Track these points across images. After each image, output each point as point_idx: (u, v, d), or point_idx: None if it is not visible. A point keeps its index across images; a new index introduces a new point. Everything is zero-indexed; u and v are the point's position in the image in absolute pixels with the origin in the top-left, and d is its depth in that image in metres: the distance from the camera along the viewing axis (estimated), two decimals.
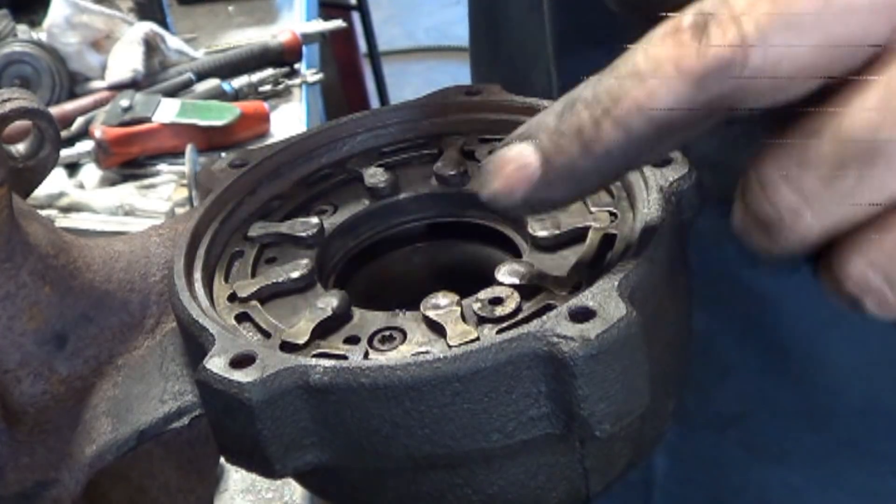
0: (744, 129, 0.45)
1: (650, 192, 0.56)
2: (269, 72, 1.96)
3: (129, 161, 1.75)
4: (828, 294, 0.45)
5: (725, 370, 0.84)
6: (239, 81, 1.91)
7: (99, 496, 0.65)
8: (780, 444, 0.84)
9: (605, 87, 0.44)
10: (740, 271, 0.78)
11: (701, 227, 0.75)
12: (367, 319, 0.56)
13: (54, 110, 1.79)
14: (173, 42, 1.99)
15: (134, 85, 1.87)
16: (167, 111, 1.76)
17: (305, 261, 0.60)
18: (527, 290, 0.54)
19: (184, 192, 1.61)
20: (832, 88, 0.41)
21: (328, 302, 0.56)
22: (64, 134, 1.76)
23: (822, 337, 0.78)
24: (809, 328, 0.79)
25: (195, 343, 0.54)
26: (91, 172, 1.76)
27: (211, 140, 1.75)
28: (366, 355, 0.53)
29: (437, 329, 0.53)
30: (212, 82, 1.90)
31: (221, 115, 1.76)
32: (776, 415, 0.83)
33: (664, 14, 0.43)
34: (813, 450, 0.83)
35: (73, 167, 1.77)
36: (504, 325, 0.52)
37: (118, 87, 1.87)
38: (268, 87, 1.94)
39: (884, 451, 0.82)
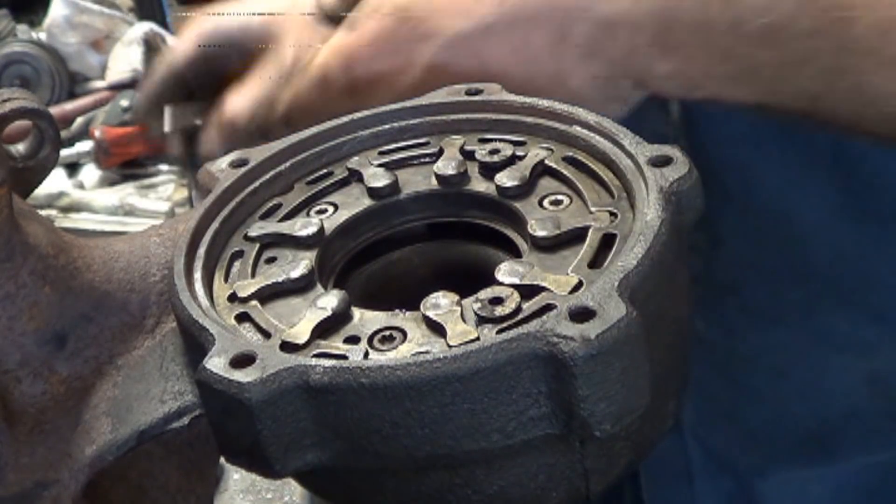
0: None
1: (650, 192, 0.56)
2: None
3: (129, 161, 1.75)
4: None
5: (719, 240, 0.90)
6: None
7: (99, 496, 0.65)
8: (772, 305, 0.90)
9: None
10: (717, 147, 0.86)
11: (679, 112, 0.86)
12: (367, 319, 0.56)
13: (54, 110, 1.79)
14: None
15: (134, 85, 1.87)
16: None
17: (305, 261, 0.60)
18: (527, 290, 0.54)
19: (184, 192, 1.61)
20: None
21: (328, 302, 0.56)
22: (64, 134, 1.76)
23: (789, 197, 0.85)
24: (778, 190, 0.86)
25: (195, 343, 0.54)
26: (91, 172, 1.76)
27: None
28: (366, 355, 0.53)
29: (437, 329, 0.53)
30: None
31: None
32: (764, 277, 0.89)
33: None
34: (799, 305, 0.89)
35: (73, 167, 1.77)
36: (504, 325, 0.52)
37: (118, 87, 1.87)
38: None
39: (859, 300, 0.87)
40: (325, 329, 0.55)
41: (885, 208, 0.83)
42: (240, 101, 0.83)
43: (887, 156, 0.80)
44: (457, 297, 0.54)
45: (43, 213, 0.74)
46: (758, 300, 0.91)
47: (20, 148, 0.68)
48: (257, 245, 0.63)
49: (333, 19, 0.79)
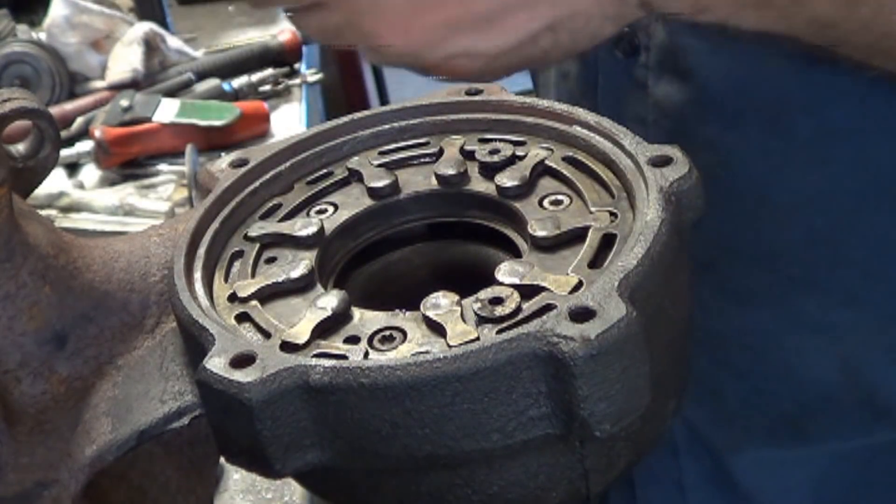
0: None
1: (650, 192, 0.56)
2: (269, 72, 1.96)
3: (129, 161, 1.74)
4: None
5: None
6: (239, 81, 1.91)
7: (99, 496, 0.65)
8: (746, 286, 0.91)
9: None
10: (697, 127, 0.86)
11: (666, 99, 0.86)
12: (367, 319, 0.56)
13: (54, 110, 1.79)
14: (173, 42, 1.99)
15: (134, 85, 1.87)
16: (167, 111, 1.76)
17: (305, 261, 0.60)
18: (527, 290, 0.54)
19: (184, 192, 1.61)
20: None
21: (328, 302, 0.56)
22: (64, 134, 1.76)
23: (767, 180, 0.85)
24: (756, 173, 0.86)
25: (195, 343, 0.54)
26: (91, 172, 1.75)
27: (211, 140, 1.75)
28: (366, 355, 0.53)
29: (437, 329, 0.53)
30: (212, 82, 1.90)
31: (221, 115, 1.76)
32: (738, 258, 0.90)
33: None
34: (772, 287, 0.89)
35: (73, 167, 1.77)
36: (504, 325, 0.52)
37: (118, 87, 1.86)
38: (268, 87, 1.94)
39: (830, 284, 0.88)
40: (325, 329, 0.55)
41: (863, 190, 0.84)
42: None
43: (866, 138, 0.81)
44: (457, 297, 0.54)
45: (43, 213, 0.74)
46: (732, 280, 0.91)
47: (20, 148, 0.68)
48: (257, 245, 0.63)
49: None
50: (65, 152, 1.69)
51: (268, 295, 0.59)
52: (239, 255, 0.63)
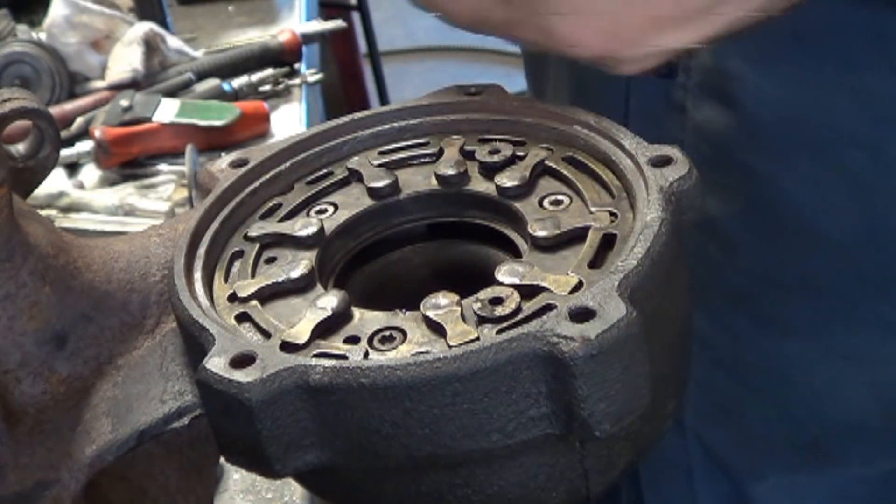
0: None
1: (650, 192, 0.56)
2: (269, 72, 1.95)
3: (129, 161, 1.74)
4: None
5: (733, 248, 0.89)
6: (239, 81, 1.91)
7: (99, 496, 0.65)
8: (784, 317, 0.89)
9: None
10: (740, 156, 0.84)
11: (706, 123, 0.83)
12: (367, 319, 0.56)
13: (54, 110, 1.79)
14: (173, 42, 1.99)
15: (134, 85, 1.87)
16: (167, 111, 1.76)
17: (305, 261, 0.60)
18: (527, 290, 0.54)
19: (184, 192, 1.61)
20: None
21: (328, 302, 0.56)
22: (64, 134, 1.76)
23: (816, 214, 0.84)
24: (804, 206, 0.84)
25: (195, 343, 0.54)
26: (91, 172, 1.75)
27: (211, 140, 1.75)
28: (366, 355, 0.53)
29: (437, 329, 0.53)
30: (212, 82, 1.90)
31: (221, 115, 1.76)
32: (779, 288, 0.88)
33: None
34: (812, 319, 0.88)
35: (73, 167, 1.76)
36: (504, 325, 0.52)
37: (118, 87, 1.86)
38: (268, 87, 1.94)
39: (872, 317, 0.87)
40: (325, 329, 0.55)
41: None
42: None
43: None
44: (457, 297, 0.54)
45: (43, 213, 0.74)
46: (771, 311, 0.90)
47: (20, 148, 0.68)
48: (257, 245, 0.63)
49: None
50: (65, 152, 1.69)
51: (268, 295, 0.59)
52: (239, 255, 0.63)
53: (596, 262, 0.56)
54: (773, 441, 0.95)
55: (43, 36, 1.93)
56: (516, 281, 0.55)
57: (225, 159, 0.69)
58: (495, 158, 0.65)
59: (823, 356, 0.89)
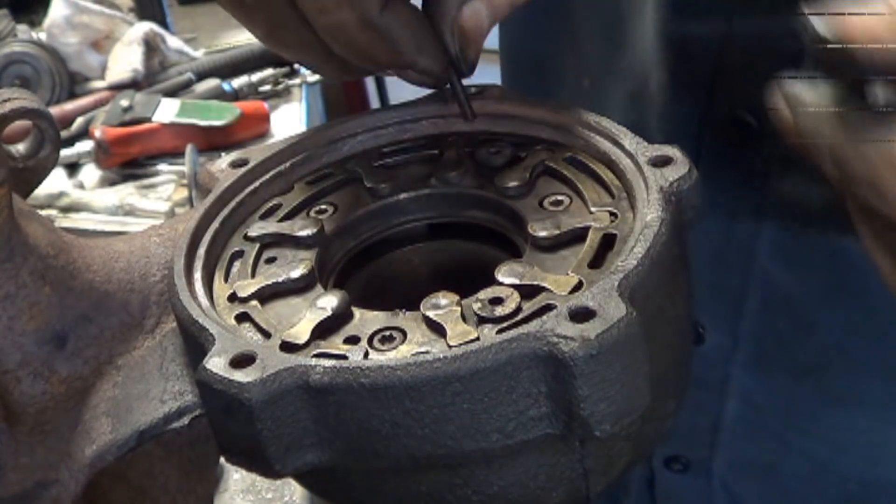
0: None
1: (650, 192, 0.56)
2: (269, 72, 1.96)
3: (129, 161, 1.75)
4: None
5: (810, 327, 0.88)
6: (239, 81, 1.91)
7: (99, 496, 0.65)
8: (853, 393, 0.89)
9: None
10: (826, 235, 0.83)
11: (790, 197, 0.81)
12: (367, 319, 0.56)
13: (54, 110, 1.79)
14: (173, 42, 1.99)
15: (134, 85, 1.87)
16: (167, 111, 1.76)
17: (305, 261, 0.60)
18: (527, 290, 0.54)
19: (184, 192, 1.61)
20: None
21: (328, 302, 0.56)
22: (64, 134, 1.76)
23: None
24: (881, 282, 0.82)
25: (195, 343, 0.54)
26: (91, 172, 1.76)
27: (211, 140, 1.75)
28: (366, 355, 0.53)
29: (437, 329, 0.53)
30: (212, 82, 1.90)
31: (221, 115, 1.76)
32: (853, 367, 0.87)
33: None
34: (883, 398, 0.88)
35: (73, 167, 1.77)
36: (504, 325, 0.52)
37: (118, 87, 1.87)
38: (268, 87, 1.94)
39: None
40: (325, 329, 0.55)
41: None
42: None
43: None
44: (457, 297, 0.54)
45: (43, 213, 0.74)
46: (838, 385, 0.89)
47: (20, 148, 0.68)
48: (257, 245, 0.63)
49: None
50: (65, 152, 1.69)
51: (268, 295, 0.59)
52: (239, 255, 0.63)
53: (596, 262, 0.56)
54: (806, 495, 0.95)
55: (43, 36, 1.93)
56: (516, 281, 0.55)
57: (225, 159, 0.69)
58: (495, 159, 0.65)
59: (878, 424, 0.89)
